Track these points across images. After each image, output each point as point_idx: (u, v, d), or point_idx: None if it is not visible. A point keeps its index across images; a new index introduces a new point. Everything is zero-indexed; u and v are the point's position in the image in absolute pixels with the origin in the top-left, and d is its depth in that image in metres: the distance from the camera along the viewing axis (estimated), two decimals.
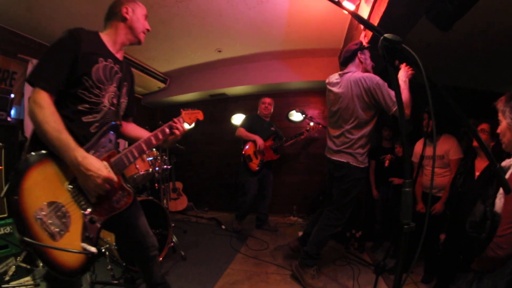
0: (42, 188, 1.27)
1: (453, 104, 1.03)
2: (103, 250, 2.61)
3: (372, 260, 3.08)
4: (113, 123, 1.56)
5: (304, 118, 4.57)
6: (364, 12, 2.63)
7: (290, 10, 3.21)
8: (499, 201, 1.54)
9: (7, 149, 2.82)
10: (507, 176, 1.49)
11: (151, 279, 1.92)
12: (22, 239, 1.17)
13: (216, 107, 6.03)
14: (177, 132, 1.76)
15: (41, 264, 2.65)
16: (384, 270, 2.47)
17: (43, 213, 1.24)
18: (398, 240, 2.74)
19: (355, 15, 1.08)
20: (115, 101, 1.59)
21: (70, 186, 1.35)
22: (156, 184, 3.80)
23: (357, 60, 2.59)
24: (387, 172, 3.59)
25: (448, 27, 2.28)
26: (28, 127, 3.65)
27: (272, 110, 4.42)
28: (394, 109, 2.26)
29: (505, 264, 1.36)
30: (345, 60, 2.67)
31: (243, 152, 4.10)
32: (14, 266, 2.59)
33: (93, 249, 1.33)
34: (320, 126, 4.39)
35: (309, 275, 2.61)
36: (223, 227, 4.51)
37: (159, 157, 3.45)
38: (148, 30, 1.74)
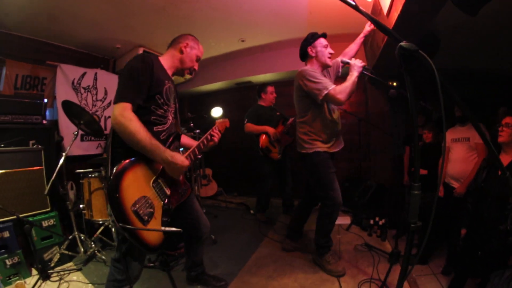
0: (134, 186, 1.59)
1: (460, 102, 1.08)
2: None
3: (393, 248, 3.10)
4: (176, 133, 1.95)
5: None
6: (386, 2, 2.58)
7: None
8: None
9: (45, 150, 3.10)
10: None
11: (195, 258, 2.39)
12: (123, 227, 1.46)
13: (243, 95, 6.12)
14: (215, 139, 2.12)
15: (82, 250, 2.97)
16: (400, 258, 2.55)
17: (138, 205, 1.56)
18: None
19: (371, 19, 1.11)
20: (173, 115, 1.95)
21: (154, 184, 1.72)
22: (188, 173, 3.94)
23: (308, 56, 2.69)
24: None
25: (475, 11, 2.20)
26: (63, 127, 3.92)
27: None
28: (320, 97, 2.45)
29: None
30: (301, 58, 2.81)
31: (260, 146, 4.07)
32: (58, 254, 2.89)
33: (173, 228, 1.62)
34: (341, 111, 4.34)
35: (326, 262, 2.72)
36: (252, 212, 4.66)
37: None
38: (195, 70, 2.04)
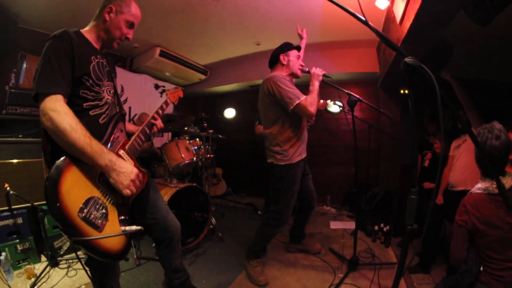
0: (77, 188, 1.30)
1: (457, 113, 1.11)
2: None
3: (396, 255, 3.11)
4: (120, 113, 1.66)
5: (341, 110, 4.58)
6: (399, 8, 2.60)
7: (325, 2, 3.23)
8: None
9: None
10: None
11: (171, 265, 2.01)
12: (73, 240, 1.22)
13: (256, 97, 6.16)
14: (155, 129, 1.84)
15: None
16: (358, 265, 2.77)
17: (86, 210, 1.29)
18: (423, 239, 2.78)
19: (380, 35, 1.14)
20: (112, 92, 1.64)
21: (101, 179, 1.41)
22: (199, 172, 4.00)
23: (279, 63, 2.66)
24: (426, 170, 3.55)
25: (487, 22, 2.19)
26: None
27: None
28: (291, 107, 2.37)
29: (460, 267, 1.74)
30: (270, 64, 2.76)
31: None
32: (68, 242, 2.95)
33: (133, 228, 1.43)
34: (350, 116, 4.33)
35: (252, 266, 2.72)
36: (259, 212, 4.71)
37: (202, 146, 3.68)
38: (127, 38, 1.66)
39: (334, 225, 4.19)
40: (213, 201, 5.38)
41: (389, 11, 3.09)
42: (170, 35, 4.17)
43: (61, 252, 2.91)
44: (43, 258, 2.84)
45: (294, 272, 2.81)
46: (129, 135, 1.74)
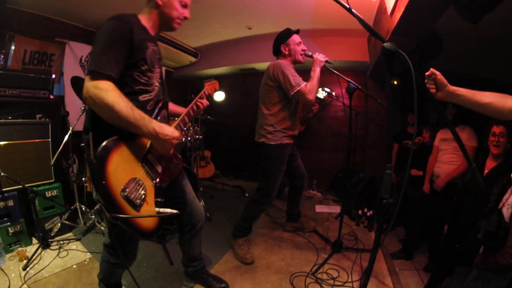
0: (122, 169, 1.37)
1: (436, 102, 1.18)
2: None
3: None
4: (164, 100, 1.70)
5: (331, 97, 4.66)
6: (390, 2, 2.64)
7: None
8: (507, 211, 1.66)
9: (52, 124, 3.18)
10: None
11: (191, 251, 2.13)
12: (112, 216, 1.29)
13: (247, 80, 6.18)
14: (203, 104, 1.98)
15: (82, 221, 3.12)
16: (342, 248, 2.89)
17: (128, 189, 1.37)
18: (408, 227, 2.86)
19: (361, 21, 1.20)
20: (159, 80, 1.68)
21: (143, 162, 1.50)
22: (188, 153, 4.05)
23: (282, 54, 2.78)
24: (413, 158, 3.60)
25: (477, 19, 2.23)
26: (69, 102, 3.98)
27: None
28: (292, 92, 2.55)
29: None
30: (274, 54, 2.87)
31: None
32: (59, 224, 3.02)
33: (168, 211, 1.53)
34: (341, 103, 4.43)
35: (238, 245, 2.85)
36: (247, 195, 4.82)
37: (191, 128, 3.73)
38: (185, 18, 1.66)
39: (320, 208, 4.35)
40: (202, 183, 5.45)
41: (382, 2, 3.12)
42: None
43: (52, 234, 2.94)
44: (34, 240, 2.87)
45: (279, 251, 2.95)
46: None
